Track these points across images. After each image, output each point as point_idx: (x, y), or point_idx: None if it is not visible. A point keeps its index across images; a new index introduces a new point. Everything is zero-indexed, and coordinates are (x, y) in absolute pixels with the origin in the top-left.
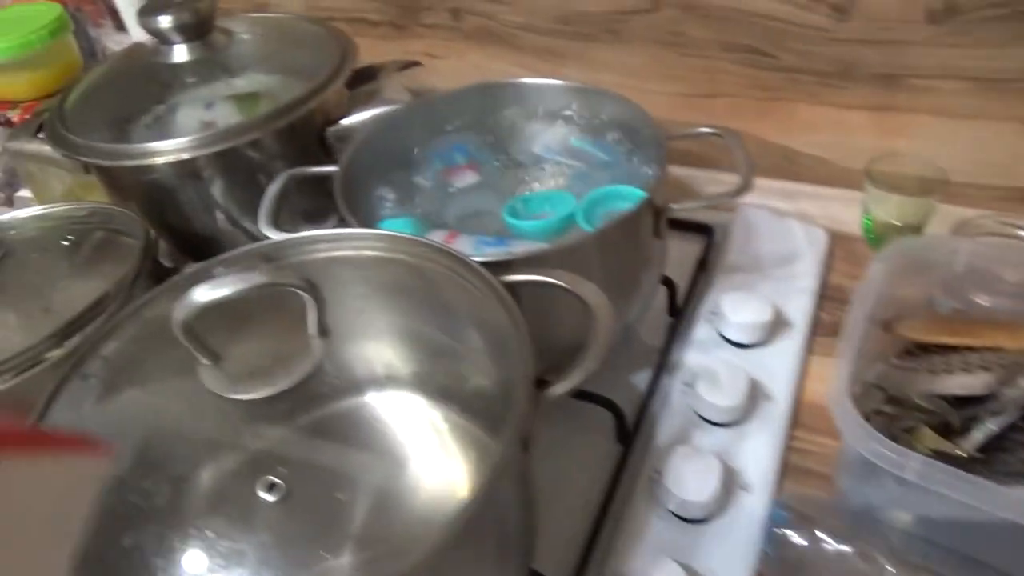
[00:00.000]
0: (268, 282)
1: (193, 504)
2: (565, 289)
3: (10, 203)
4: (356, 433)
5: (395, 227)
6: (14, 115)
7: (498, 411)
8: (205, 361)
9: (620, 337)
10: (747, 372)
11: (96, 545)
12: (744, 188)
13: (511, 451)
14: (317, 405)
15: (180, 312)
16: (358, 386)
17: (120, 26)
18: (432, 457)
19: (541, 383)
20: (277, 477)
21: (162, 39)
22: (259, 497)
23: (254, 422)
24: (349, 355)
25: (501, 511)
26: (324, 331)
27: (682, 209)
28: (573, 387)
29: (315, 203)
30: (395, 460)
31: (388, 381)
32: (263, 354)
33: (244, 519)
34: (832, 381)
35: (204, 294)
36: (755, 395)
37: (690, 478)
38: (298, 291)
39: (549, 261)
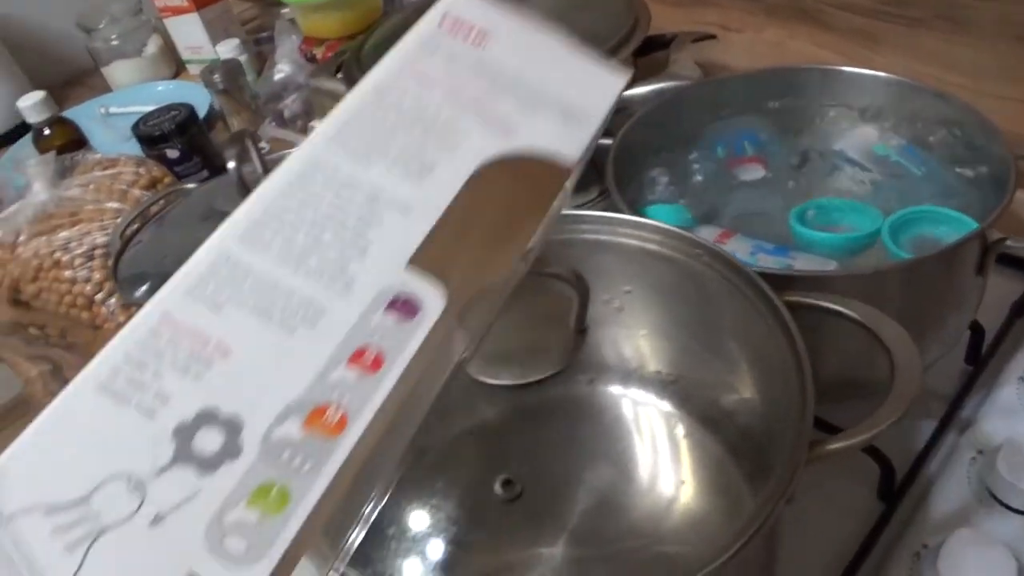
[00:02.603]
0: (535, 271)
1: (427, 478)
2: (862, 326)
3: (304, 131)
4: (592, 427)
5: (664, 213)
6: (319, 52)
7: (753, 443)
8: None
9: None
10: None
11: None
12: None
13: (772, 510)
14: (559, 392)
15: None
16: (603, 380)
17: None
18: (663, 468)
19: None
20: (512, 465)
21: None
22: (494, 489)
23: (495, 403)
24: (600, 346)
25: (743, 566)
26: (583, 327)
27: (1019, 247)
28: (858, 445)
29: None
30: (624, 462)
31: (635, 381)
32: (518, 339)
33: (477, 505)
34: None
35: None
36: None
37: (972, 570)
38: (564, 283)
39: (837, 285)
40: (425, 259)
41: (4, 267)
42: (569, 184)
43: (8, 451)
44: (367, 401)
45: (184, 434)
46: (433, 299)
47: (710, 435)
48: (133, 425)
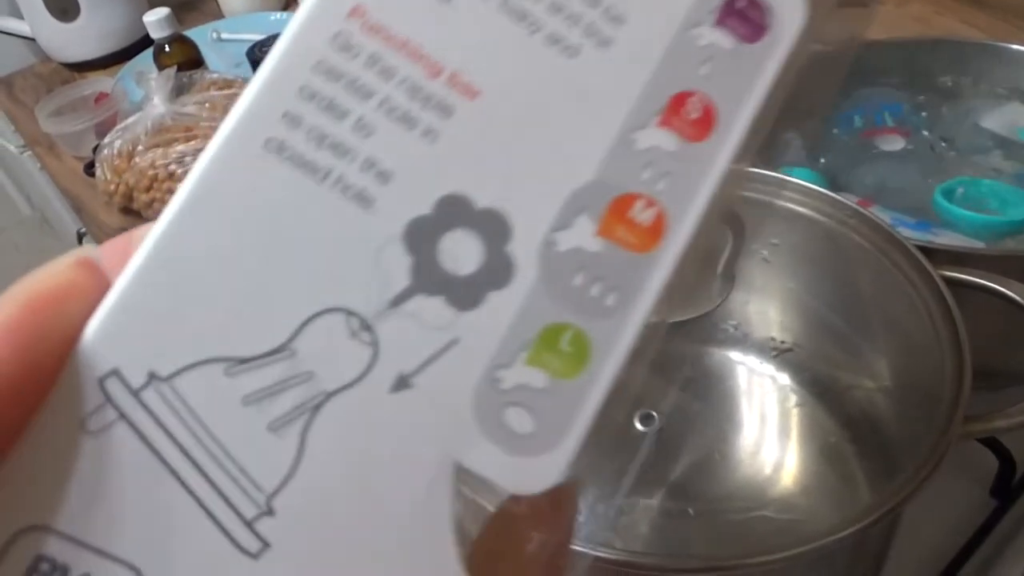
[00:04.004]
0: None
1: None
2: (1021, 308)
3: None
4: (710, 385)
5: (797, 176)
6: None
7: (873, 422)
8: None
9: None
10: None
11: None
12: None
13: (895, 505)
14: (688, 344)
15: None
16: (732, 339)
17: None
18: (769, 435)
19: None
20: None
21: None
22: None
23: None
24: (736, 306)
25: (866, 543)
26: (731, 275)
27: None
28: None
29: None
30: (732, 423)
31: (757, 344)
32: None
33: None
34: None
35: None
36: None
37: None
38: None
39: (978, 265)
40: None
41: (120, 175)
42: None
43: (137, 268)
44: (693, 186)
45: (422, 238)
46: (789, 7)
47: (823, 407)
48: (339, 220)
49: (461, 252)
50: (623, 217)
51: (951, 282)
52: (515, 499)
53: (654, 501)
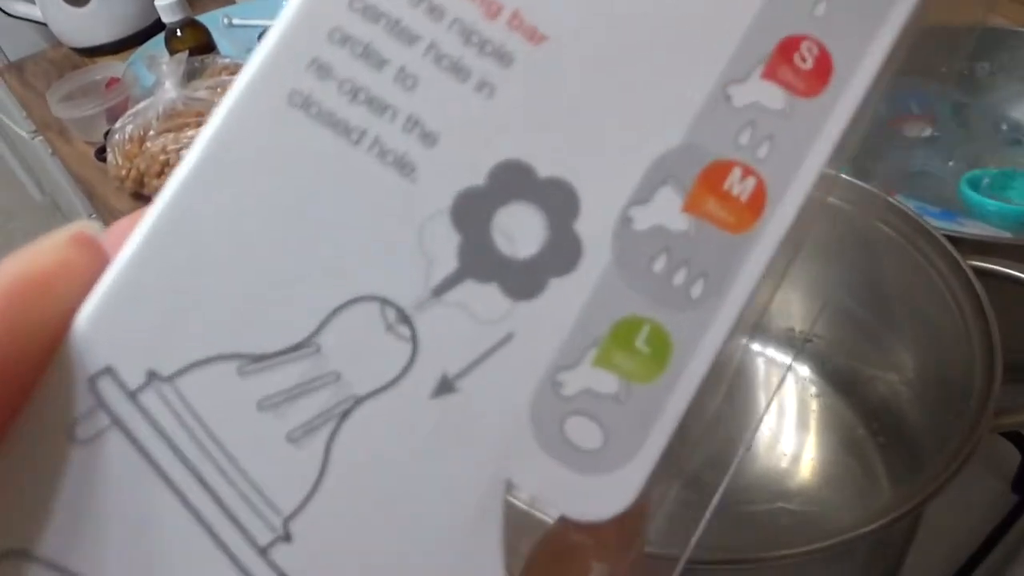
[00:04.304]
0: None
1: None
2: None
3: None
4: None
5: None
6: None
7: (895, 414)
8: None
9: None
10: None
11: None
12: None
13: (925, 499)
14: None
15: None
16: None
17: None
18: (788, 427)
19: None
20: None
21: None
22: None
23: None
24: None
25: (891, 537)
26: None
27: None
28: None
29: None
30: (750, 413)
31: (777, 335)
32: None
33: None
34: None
35: None
36: None
37: None
38: None
39: (1005, 255)
40: None
41: (131, 160)
42: None
43: (134, 250)
44: (802, 153)
45: (474, 214)
46: None
47: (845, 399)
48: (375, 190)
49: (519, 230)
50: (716, 189)
51: (978, 272)
52: (576, 524)
53: (670, 491)
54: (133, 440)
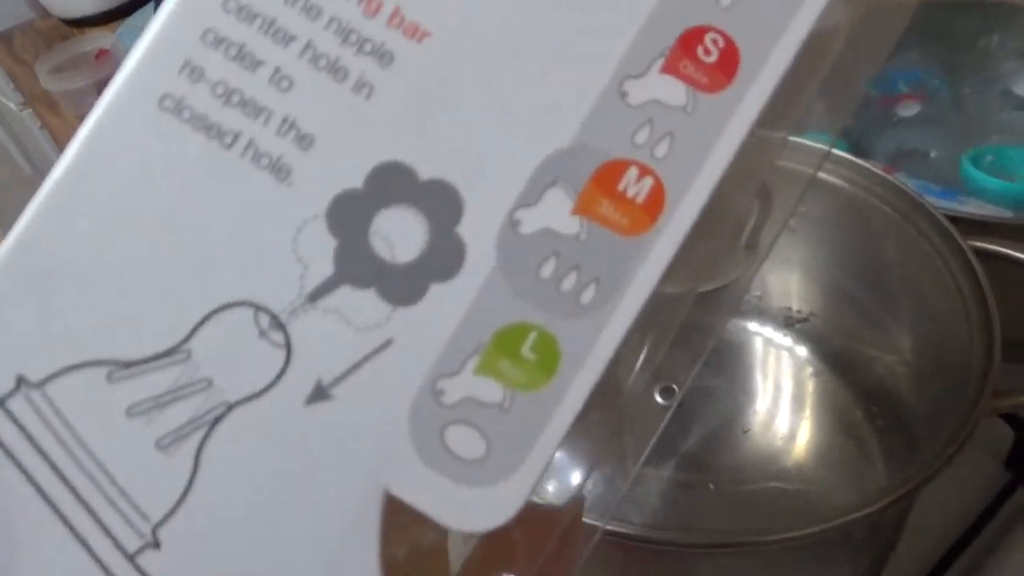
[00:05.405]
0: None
1: None
2: None
3: None
4: (724, 355)
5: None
6: None
7: (892, 395)
8: None
9: None
10: None
11: None
12: None
13: (923, 480)
14: (705, 315)
15: None
16: (749, 309)
17: None
18: (784, 406)
19: None
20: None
21: None
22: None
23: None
24: (756, 275)
25: (887, 518)
26: (754, 244)
27: None
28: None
29: None
30: (746, 392)
31: (775, 314)
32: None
33: None
34: None
35: None
36: None
37: None
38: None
39: (1005, 235)
40: None
41: None
42: None
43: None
44: (704, 152)
45: (351, 217)
46: None
47: (842, 379)
48: (249, 194)
49: (399, 234)
50: (610, 190)
51: (978, 253)
52: (469, 535)
53: (665, 471)
54: (1, 447)
